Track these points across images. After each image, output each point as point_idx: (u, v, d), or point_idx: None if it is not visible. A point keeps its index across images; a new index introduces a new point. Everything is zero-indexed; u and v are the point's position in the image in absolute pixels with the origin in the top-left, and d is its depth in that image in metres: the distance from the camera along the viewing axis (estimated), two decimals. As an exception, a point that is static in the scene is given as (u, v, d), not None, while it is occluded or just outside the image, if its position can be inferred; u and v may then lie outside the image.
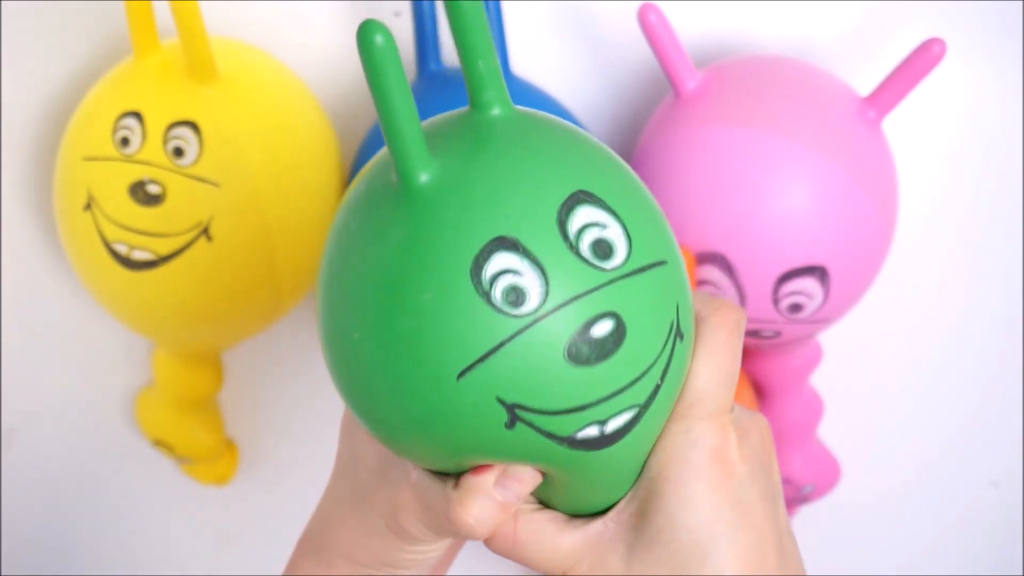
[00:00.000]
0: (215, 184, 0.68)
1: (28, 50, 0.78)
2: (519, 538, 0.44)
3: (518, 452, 0.42)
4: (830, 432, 0.81)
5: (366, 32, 0.38)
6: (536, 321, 0.40)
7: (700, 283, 0.68)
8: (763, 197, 0.66)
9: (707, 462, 0.43)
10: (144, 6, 0.69)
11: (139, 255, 0.69)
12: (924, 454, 0.87)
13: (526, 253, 0.40)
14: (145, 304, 0.71)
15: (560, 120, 0.45)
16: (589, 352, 0.40)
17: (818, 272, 0.67)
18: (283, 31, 0.76)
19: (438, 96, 0.71)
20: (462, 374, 0.40)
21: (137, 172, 0.68)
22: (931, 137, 0.79)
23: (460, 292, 0.40)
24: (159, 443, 0.80)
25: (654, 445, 0.44)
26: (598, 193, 0.42)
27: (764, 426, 0.45)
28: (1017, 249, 0.81)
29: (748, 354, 0.76)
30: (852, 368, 0.83)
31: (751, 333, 0.70)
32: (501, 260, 0.40)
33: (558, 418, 0.41)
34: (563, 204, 0.41)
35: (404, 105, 0.39)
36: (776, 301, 0.68)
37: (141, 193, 0.68)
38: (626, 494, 0.44)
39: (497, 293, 0.40)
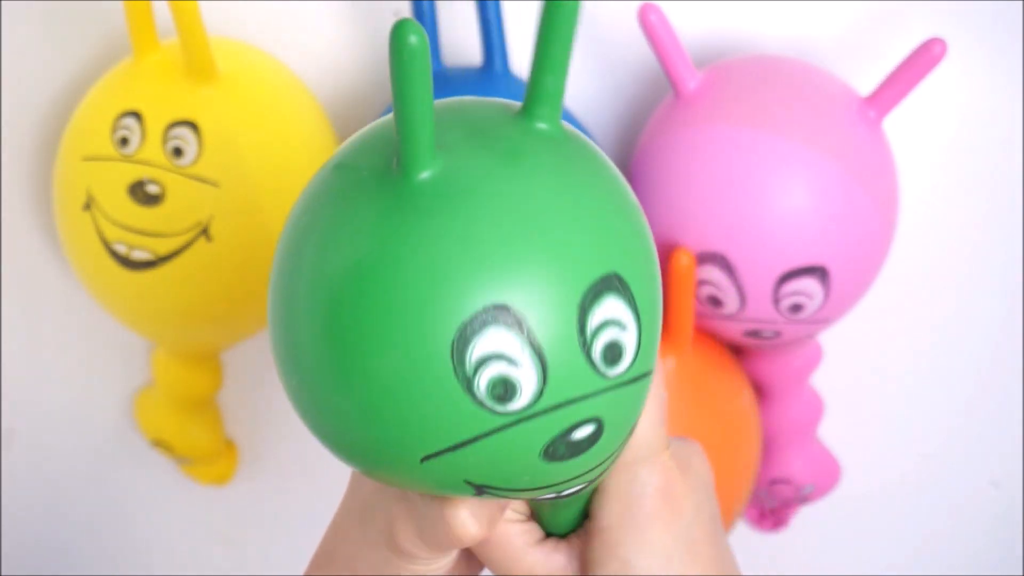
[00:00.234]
0: (214, 184, 0.68)
1: (28, 50, 0.78)
2: (491, 539, 0.45)
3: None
4: (830, 432, 0.81)
5: (400, 32, 0.33)
6: (520, 422, 0.34)
7: (700, 283, 0.68)
8: (763, 197, 0.66)
9: (658, 504, 0.44)
10: (144, 6, 0.69)
11: (139, 255, 0.69)
12: (924, 454, 0.87)
13: (530, 340, 0.33)
14: (145, 304, 0.71)
15: (603, 154, 0.38)
16: (564, 452, 0.36)
17: (818, 272, 0.67)
18: (283, 31, 0.76)
19: (437, 96, 0.71)
20: (427, 459, 0.35)
21: (136, 172, 0.68)
22: (931, 137, 0.79)
23: (435, 369, 0.33)
24: (159, 443, 0.80)
25: (605, 494, 0.43)
26: (629, 281, 0.35)
27: (698, 450, 0.46)
28: (1017, 249, 0.81)
29: (748, 354, 0.76)
30: (852, 368, 0.83)
31: (751, 333, 0.70)
32: (495, 339, 0.33)
33: (523, 492, 0.39)
34: (592, 287, 0.34)
35: (426, 106, 0.34)
36: (776, 301, 0.68)
37: (140, 193, 0.68)
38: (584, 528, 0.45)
39: (482, 383, 0.33)
